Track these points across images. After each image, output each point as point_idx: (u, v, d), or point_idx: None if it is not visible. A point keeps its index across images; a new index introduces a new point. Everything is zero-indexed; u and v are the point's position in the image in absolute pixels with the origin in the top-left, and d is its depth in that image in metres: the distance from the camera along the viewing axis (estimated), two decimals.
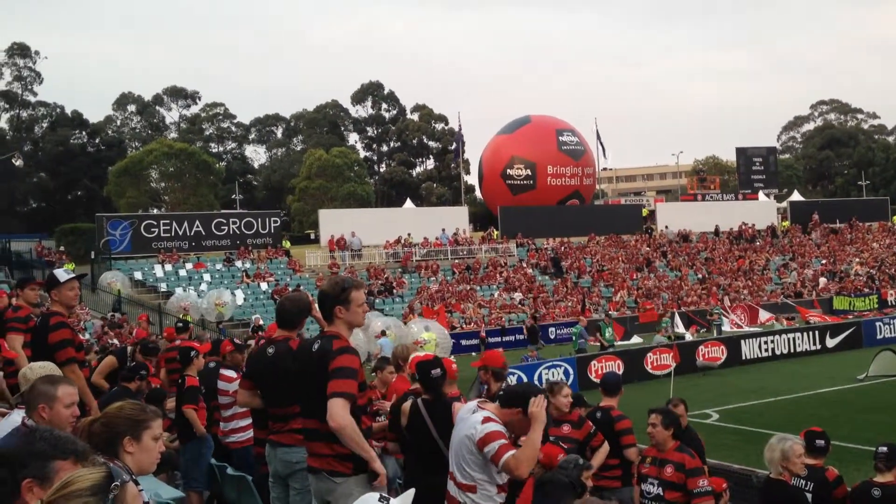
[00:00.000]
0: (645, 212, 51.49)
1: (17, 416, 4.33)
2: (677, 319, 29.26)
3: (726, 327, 30.82)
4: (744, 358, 23.69)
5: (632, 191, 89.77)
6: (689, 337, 27.46)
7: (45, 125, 63.49)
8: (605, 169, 67.25)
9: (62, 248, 38.93)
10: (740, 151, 58.91)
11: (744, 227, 49.05)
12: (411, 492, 3.18)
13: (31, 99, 62.21)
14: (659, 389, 16.93)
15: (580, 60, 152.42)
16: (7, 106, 61.15)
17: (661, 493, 5.98)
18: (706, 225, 48.78)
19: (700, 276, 41.84)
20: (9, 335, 6.94)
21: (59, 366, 5.39)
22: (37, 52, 60.70)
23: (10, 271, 32.25)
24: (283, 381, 5.30)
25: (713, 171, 73.88)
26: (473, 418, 4.66)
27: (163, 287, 33.58)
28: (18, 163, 40.61)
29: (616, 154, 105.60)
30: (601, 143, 56.15)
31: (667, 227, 48.04)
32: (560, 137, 52.72)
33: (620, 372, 20.04)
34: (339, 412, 4.46)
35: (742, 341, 24.40)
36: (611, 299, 37.58)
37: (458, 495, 4.70)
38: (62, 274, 6.31)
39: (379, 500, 3.07)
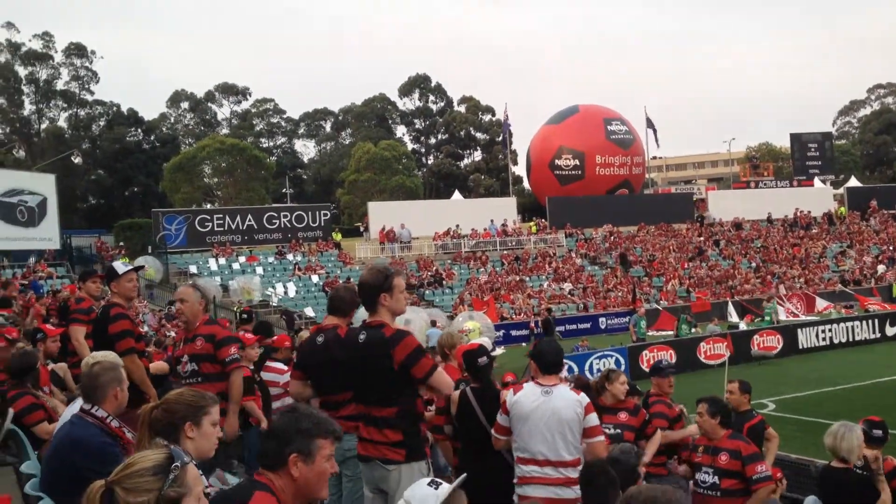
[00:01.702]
0: (696, 199, 50.75)
1: (79, 404, 4.48)
2: (731, 308, 28.82)
3: (782, 316, 30.25)
4: (800, 347, 23.28)
5: (682, 179, 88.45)
6: (743, 326, 27.03)
7: (101, 123, 64.90)
8: (654, 158, 66.43)
9: (121, 244, 39.84)
10: (794, 137, 57.62)
11: (799, 214, 48.01)
12: (463, 476, 3.21)
13: (89, 98, 63.61)
14: (713, 379, 16.71)
15: (630, 48, 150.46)
16: (66, 105, 62.63)
17: (717, 482, 5.93)
18: (759, 213, 47.89)
19: (754, 264, 41.09)
20: (72, 326, 7.15)
21: (119, 356, 5.54)
22: (93, 52, 62.04)
23: (72, 266, 33.15)
24: (334, 369, 5.33)
25: (766, 157, 72.42)
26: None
27: (217, 280, 34.19)
28: (77, 160, 41.60)
29: (666, 143, 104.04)
30: (653, 130, 55.39)
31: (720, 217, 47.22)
32: (608, 126, 52.14)
33: (673, 361, 19.87)
34: (448, 380, 4.79)
35: (799, 330, 23.96)
36: (662, 289, 37.15)
37: (559, 473, 4.97)
38: (120, 266, 6.46)
39: (429, 485, 3.11)
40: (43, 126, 61.56)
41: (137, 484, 2.13)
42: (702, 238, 44.64)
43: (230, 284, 32.41)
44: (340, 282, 31.29)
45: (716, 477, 5.94)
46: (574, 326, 31.35)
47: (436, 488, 3.06)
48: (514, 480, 5.28)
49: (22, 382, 6.58)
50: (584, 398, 5.22)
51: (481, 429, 5.61)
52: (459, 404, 5.93)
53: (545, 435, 5.07)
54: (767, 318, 28.94)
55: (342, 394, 5.39)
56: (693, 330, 26.22)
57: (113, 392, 4.25)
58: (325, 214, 41.82)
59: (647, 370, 18.05)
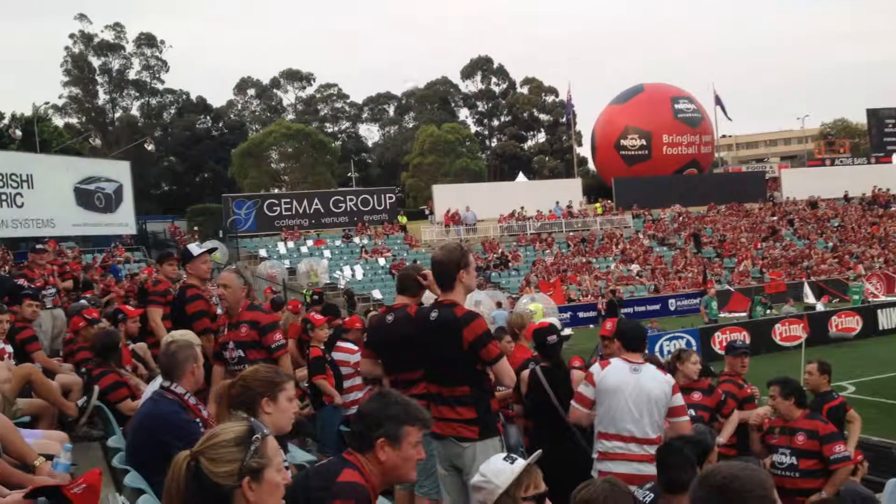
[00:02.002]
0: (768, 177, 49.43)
1: (159, 382, 4.61)
2: (807, 289, 27.98)
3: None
4: (881, 328, 22.51)
5: (754, 158, 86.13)
6: (820, 307, 26.27)
7: (172, 111, 66.52)
8: (724, 136, 64.79)
9: (196, 228, 40.84)
10: (871, 113, 55.56)
11: (877, 192, 46.34)
12: (538, 452, 3.19)
13: (159, 87, 65.20)
14: (789, 362, 16.30)
15: (697, 23, 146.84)
16: (138, 94, 64.31)
17: (795, 462, 5.82)
18: (835, 191, 46.43)
19: (830, 244, 39.87)
20: (150, 308, 7.35)
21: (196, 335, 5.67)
22: (162, 42, 63.45)
23: (148, 250, 34.14)
24: (404, 348, 5.34)
25: (842, 134, 70.00)
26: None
27: (286, 264, 34.76)
28: (150, 148, 42.79)
29: (736, 120, 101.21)
30: (722, 107, 54.06)
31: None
32: (676, 105, 51.02)
33: (747, 343, 19.42)
34: (510, 372, 4.76)
35: (879, 311, 23.17)
36: (734, 270, 36.37)
37: (642, 450, 5.03)
38: (195, 248, 6.59)
39: (504, 459, 3.10)
40: (117, 115, 63.38)
41: (221, 454, 2.16)
42: (775, 217, 43.49)
43: (297, 267, 32.98)
44: (407, 264, 31.52)
45: (793, 458, 5.85)
46: (643, 308, 30.96)
47: (511, 463, 3.06)
48: (595, 456, 5.27)
49: (106, 361, 6.79)
50: (670, 378, 5.32)
51: (552, 407, 5.58)
52: (529, 383, 5.91)
53: (633, 412, 5.11)
54: (857, 296, 27.69)
55: (412, 372, 5.39)
56: (768, 311, 25.58)
57: (190, 369, 4.36)
58: (391, 198, 42.13)
59: (719, 352, 17.72)
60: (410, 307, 5.64)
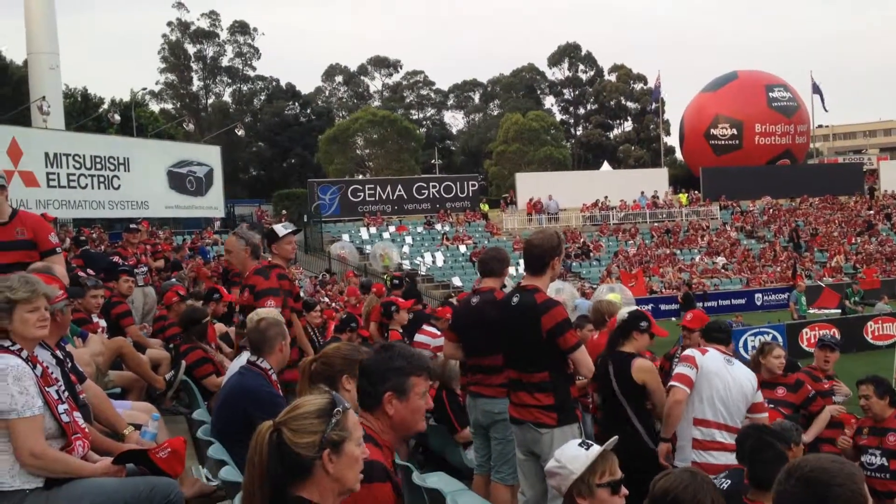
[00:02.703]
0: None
1: (245, 357, 4.75)
2: None
3: None
4: None
5: (851, 149, 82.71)
6: None
7: (262, 98, 68.04)
8: (820, 126, 62.40)
9: (284, 212, 41.75)
10: None
11: None
12: (614, 439, 3.17)
13: (251, 73, 66.76)
14: (881, 361, 15.66)
15: (794, 8, 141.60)
16: (230, 81, 66.03)
17: (886, 463, 5.64)
18: None
19: None
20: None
21: None
22: (255, 29, 64.95)
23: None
24: (486, 331, 5.32)
25: None
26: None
27: (368, 249, 35.20)
28: (240, 133, 43.92)
29: (833, 110, 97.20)
30: (820, 95, 52.03)
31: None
32: (770, 93, 49.38)
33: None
34: (588, 361, 4.80)
35: None
36: (825, 265, 35.10)
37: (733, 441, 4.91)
38: (280, 229, 6.70)
39: (580, 445, 3.09)
40: (209, 101, 65.25)
41: (303, 425, 2.22)
42: (872, 211, 41.72)
43: (372, 251, 33.29)
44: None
45: (884, 458, 5.68)
46: (728, 302, 30.20)
47: (586, 449, 3.05)
48: (687, 444, 5.23)
49: (192, 337, 7.04)
50: (754, 375, 5.44)
51: (615, 397, 5.49)
52: (597, 372, 5.85)
53: (728, 401, 5.18)
54: None
55: (491, 357, 5.40)
56: (859, 306, 24.56)
57: (279, 346, 4.50)
58: (473, 185, 42.14)
59: (807, 349, 17.18)
60: (497, 291, 5.64)
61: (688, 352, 5.51)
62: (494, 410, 5.43)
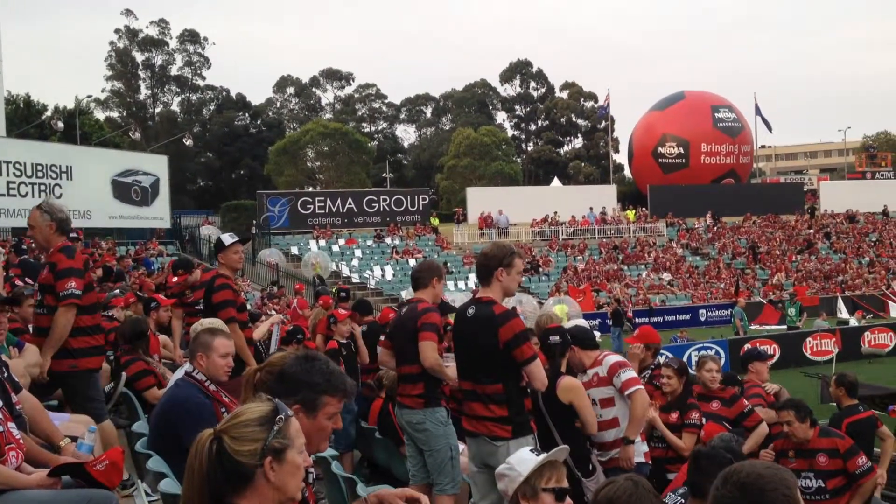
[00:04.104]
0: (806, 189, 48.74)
1: (184, 370, 4.67)
2: (840, 304, 27.54)
3: (893, 313, 28.87)
4: None
5: (793, 169, 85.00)
6: (853, 322, 25.85)
7: (212, 108, 67.28)
8: (763, 147, 63.97)
9: (231, 225, 41.24)
10: None
11: None
12: (564, 447, 3.19)
13: (200, 83, 66.01)
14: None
15: (739, 31, 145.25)
16: (179, 90, 65.18)
17: (823, 485, 5.63)
18: (875, 205, 45.63)
19: (867, 259, 39.20)
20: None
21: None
22: (205, 39, 64.28)
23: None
24: (406, 340, 5.47)
25: (885, 147, 68.84)
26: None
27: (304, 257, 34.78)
28: (188, 143, 43.31)
29: (776, 131, 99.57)
30: (763, 118, 53.42)
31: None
32: (716, 114, 50.56)
33: (776, 356, 19.25)
34: (542, 375, 4.76)
35: None
36: (767, 281, 35.91)
37: None
38: (227, 238, 6.64)
39: (531, 451, 3.11)
40: (157, 110, 64.28)
41: (244, 433, 2.19)
42: (812, 230, 42.87)
43: (303, 257, 33.13)
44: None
45: (819, 480, 5.63)
46: (673, 318, 30.67)
47: (537, 455, 3.07)
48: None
49: (134, 349, 6.90)
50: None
51: (539, 410, 5.42)
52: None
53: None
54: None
55: (408, 365, 5.47)
56: (800, 315, 24.97)
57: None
58: (424, 199, 42.18)
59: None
60: (423, 302, 5.68)
61: (618, 357, 5.60)
62: (413, 421, 5.44)
